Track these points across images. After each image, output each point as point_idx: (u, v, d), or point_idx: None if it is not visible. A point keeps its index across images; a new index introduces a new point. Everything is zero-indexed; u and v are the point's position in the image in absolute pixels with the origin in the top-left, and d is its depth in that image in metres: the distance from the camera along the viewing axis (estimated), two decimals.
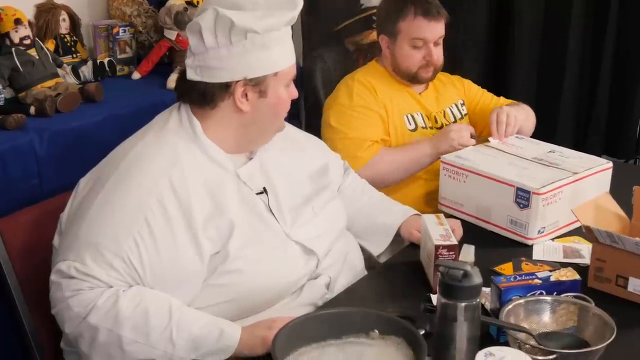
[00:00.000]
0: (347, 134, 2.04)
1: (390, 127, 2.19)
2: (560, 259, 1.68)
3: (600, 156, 1.86)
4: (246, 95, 1.49)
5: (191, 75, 1.49)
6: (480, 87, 2.42)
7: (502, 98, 2.41)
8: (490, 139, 2.05)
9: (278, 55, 1.50)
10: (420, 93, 2.29)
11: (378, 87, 2.22)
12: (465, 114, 2.35)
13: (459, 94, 2.36)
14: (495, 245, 1.74)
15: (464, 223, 1.81)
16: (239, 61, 1.46)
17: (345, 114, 2.17)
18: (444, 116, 2.29)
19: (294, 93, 1.58)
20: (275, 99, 1.52)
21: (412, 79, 2.23)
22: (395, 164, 2.11)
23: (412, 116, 2.22)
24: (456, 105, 2.33)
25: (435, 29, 2.15)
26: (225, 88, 1.48)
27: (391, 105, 2.20)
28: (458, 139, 2.06)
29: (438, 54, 2.20)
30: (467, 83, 2.41)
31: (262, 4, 1.45)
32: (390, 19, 2.20)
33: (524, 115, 2.20)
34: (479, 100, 2.37)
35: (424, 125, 2.23)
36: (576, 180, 1.79)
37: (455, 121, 2.29)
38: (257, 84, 1.49)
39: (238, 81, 1.47)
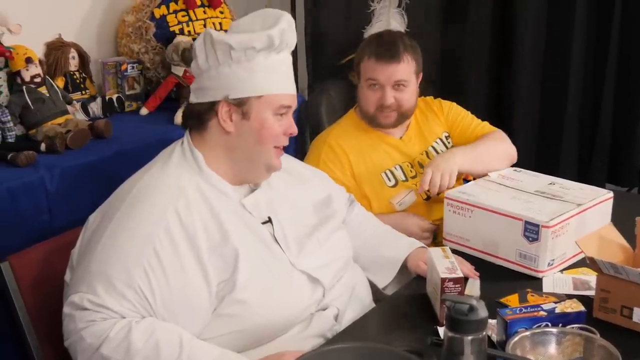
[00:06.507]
0: None
1: (367, 189, 2.16)
2: (570, 291, 1.67)
3: (604, 184, 1.84)
4: (230, 116, 1.54)
5: (192, 98, 1.58)
6: (463, 109, 2.34)
7: (486, 124, 2.32)
8: (489, 173, 2.05)
9: (263, 79, 1.53)
10: (401, 137, 2.25)
11: (351, 148, 2.18)
12: (452, 146, 2.29)
13: (441, 125, 2.31)
14: (503, 278, 1.74)
15: (471, 257, 1.81)
16: (223, 80, 1.52)
17: None
18: (428, 156, 2.23)
19: (291, 129, 1.60)
20: (258, 123, 1.55)
21: (372, 121, 2.20)
22: None
23: (391, 172, 2.19)
24: (441, 140, 2.29)
25: (388, 72, 2.12)
26: (212, 107, 1.54)
27: (365, 168, 2.17)
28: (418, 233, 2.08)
29: (400, 98, 2.15)
30: (448, 108, 2.33)
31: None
32: (357, 61, 2.23)
33: (470, 158, 2.13)
34: (459, 124, 2.31)
35: (405, 178, 2.19)
36: (581, 212, 1.80)
37: None
38: (240, 105, 1.53)
39: (221, 100, 1.52)
